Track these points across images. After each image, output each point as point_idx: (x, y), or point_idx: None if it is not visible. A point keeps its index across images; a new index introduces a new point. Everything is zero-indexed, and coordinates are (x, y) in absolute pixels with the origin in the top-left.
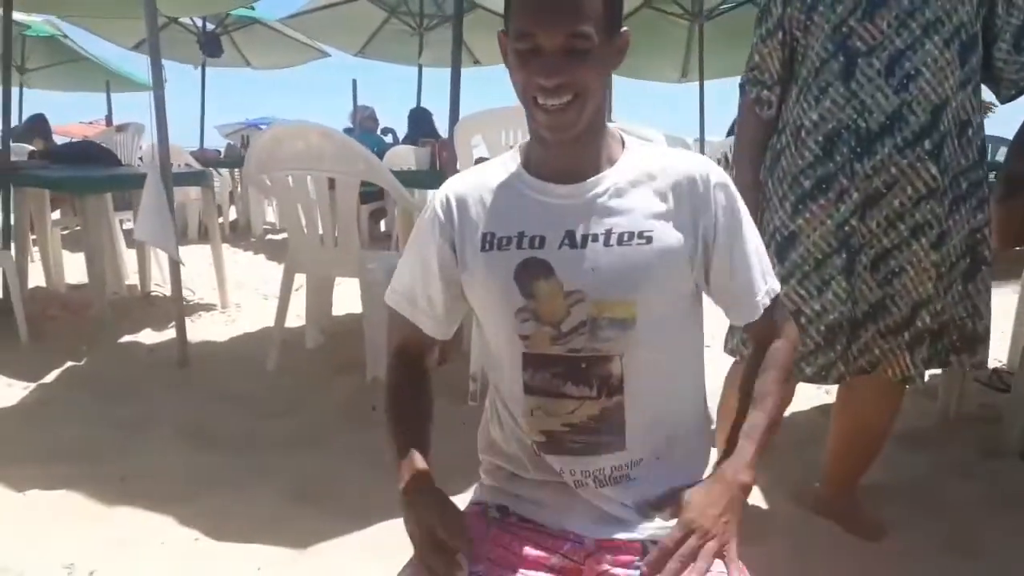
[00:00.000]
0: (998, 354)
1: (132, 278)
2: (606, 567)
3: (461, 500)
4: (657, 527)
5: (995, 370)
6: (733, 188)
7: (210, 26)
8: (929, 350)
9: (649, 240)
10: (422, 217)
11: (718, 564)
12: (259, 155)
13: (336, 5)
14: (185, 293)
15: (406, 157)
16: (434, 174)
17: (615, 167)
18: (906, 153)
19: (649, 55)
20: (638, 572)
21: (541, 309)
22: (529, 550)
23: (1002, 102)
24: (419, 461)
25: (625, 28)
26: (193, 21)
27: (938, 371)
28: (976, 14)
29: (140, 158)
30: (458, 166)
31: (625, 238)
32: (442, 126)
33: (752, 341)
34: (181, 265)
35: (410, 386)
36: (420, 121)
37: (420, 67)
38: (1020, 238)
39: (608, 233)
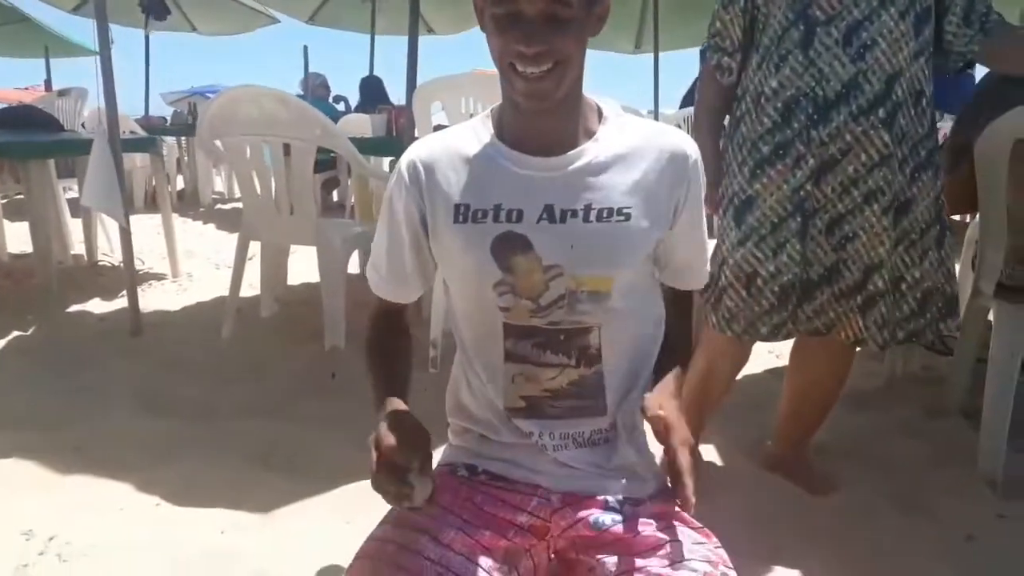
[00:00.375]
0: None
1: (78, 247)
2: (570, 520)
3: None
4: (623, 488)
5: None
6: (701, 163)
7: None
8: (917, 320)
9: (628, 217)
10: (390, 184)
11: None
12: (212, 120)
13: None
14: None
15: (361, 125)
16: (391, 141)
17: (594, 139)
18: (860, 121)
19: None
20: (599, 521)
21: (519, 283)
22: (498, 509)
23: (950, 72)
24: (398, 402)
25: None
26: None
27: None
28: None
29: (83, 124)
30: (416, 132)
31: (604, 214)
32: (394, 94)
33: (672, 301)
34: (123, 226)
35: (390, 339)
36: (372, 89)
37: (373, 35)
38: (962, 206)
39: (587, 208)
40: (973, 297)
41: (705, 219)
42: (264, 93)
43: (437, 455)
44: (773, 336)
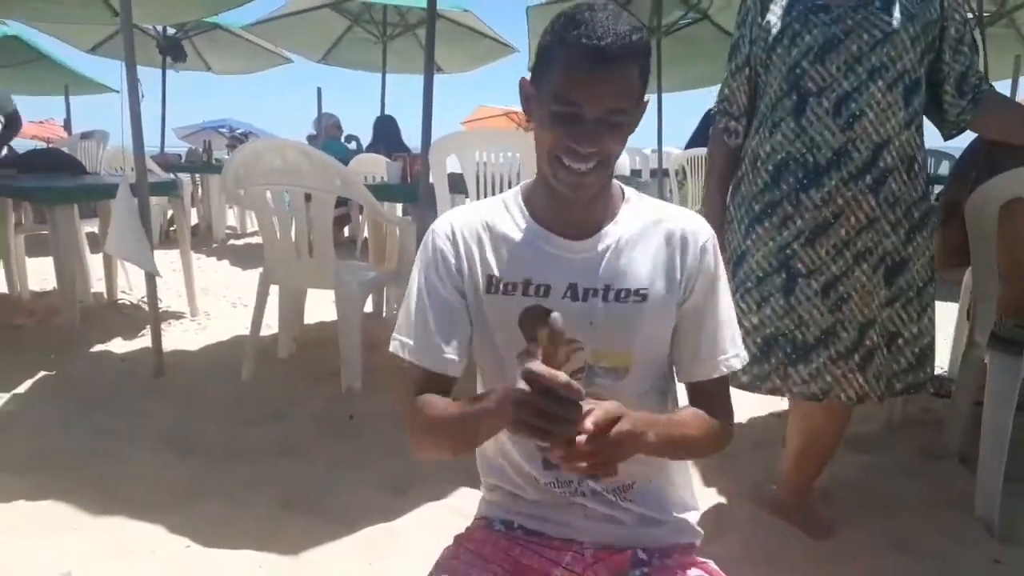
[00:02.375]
0: (941, 362)
1: (97, 285)
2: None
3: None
4: (651, 539)
5: (937, 376)
6: (718, 249)
7: (171, 31)
8: (916, 373)
9: (644, 298)
10: (424, 256)
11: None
12: (237, 169)
13: (300, 13)
14: None
15: (373, 164)
16: (406, 188)
17: (616, 221)
18: (850, 186)
19: None
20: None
21: (541, 353)
22: (533, 562)
23: (945, 139)
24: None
25: (648, 96)
26: (154, 27)
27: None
28: (920, 60)
29: (101, 164)
30: (431, 179)
31: (622, 295)
32: (407, 134)
33: (690, 401)
34: (158, 277)
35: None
36: (385, 129)
37: (384, 74)
38: (954, 259)
39: (607, 289)
40: (969, 346)
41: (727, 301)
42: (288, 146)
43: (471, 504)
44: (754, 386)
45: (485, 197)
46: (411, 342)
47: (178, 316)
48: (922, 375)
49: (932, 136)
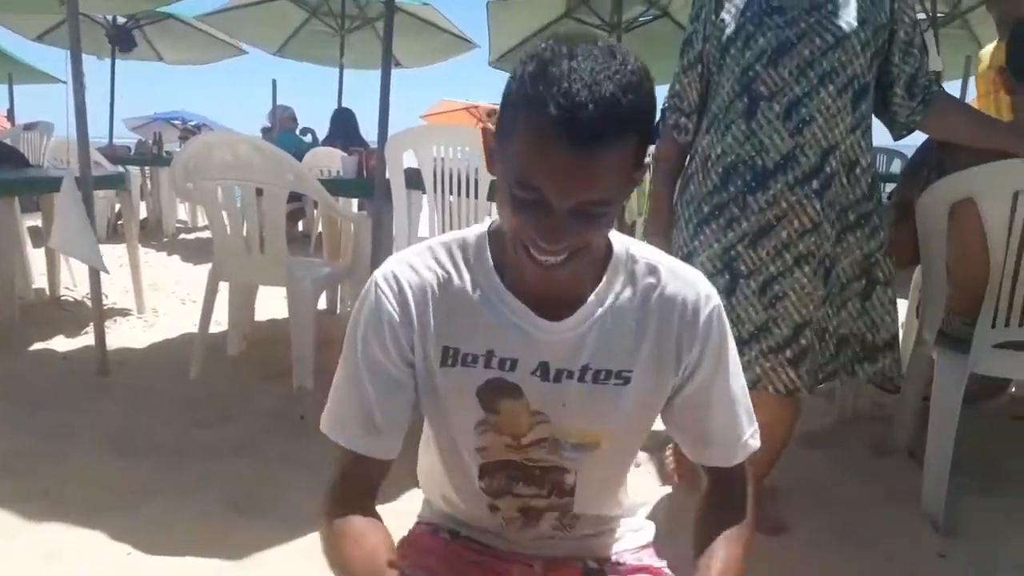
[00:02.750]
0: None
1: (39, 280)
2: None
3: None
4: (603, 547)
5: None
6: (724, 315)
7: (121, 19)
8: (834, 363)
9: (627, 381)
10: (365, 317)
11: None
12: (187, 163)
13: (256, 4)
14: None
15: (328, 157)
16: (362, 183)
17: (599, 290)
18: (796, 191)
19: None
20: None
21: (502, 423)
22: (482, 573)
23: (895, 139)
24: None
25: (648, 162)
26: (104, 16)
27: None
28: (869, 66)
29: (44, 156)
30: (388, 175)
31: (602, 376)
32: (365, 128)
33: (708, 484)
34: (105, 273)
35: (361, 521)
36: (343, 122)
37: (341, 68)
38: (907, 258)
39: (584, 369)
40: (917, 343)
41: (737, 373)
42: (239, 140)
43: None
44: None
45: (442, 194)
46: (346, 426)
47: (124, 313)
48: (836, 364)
49: (884, 134)
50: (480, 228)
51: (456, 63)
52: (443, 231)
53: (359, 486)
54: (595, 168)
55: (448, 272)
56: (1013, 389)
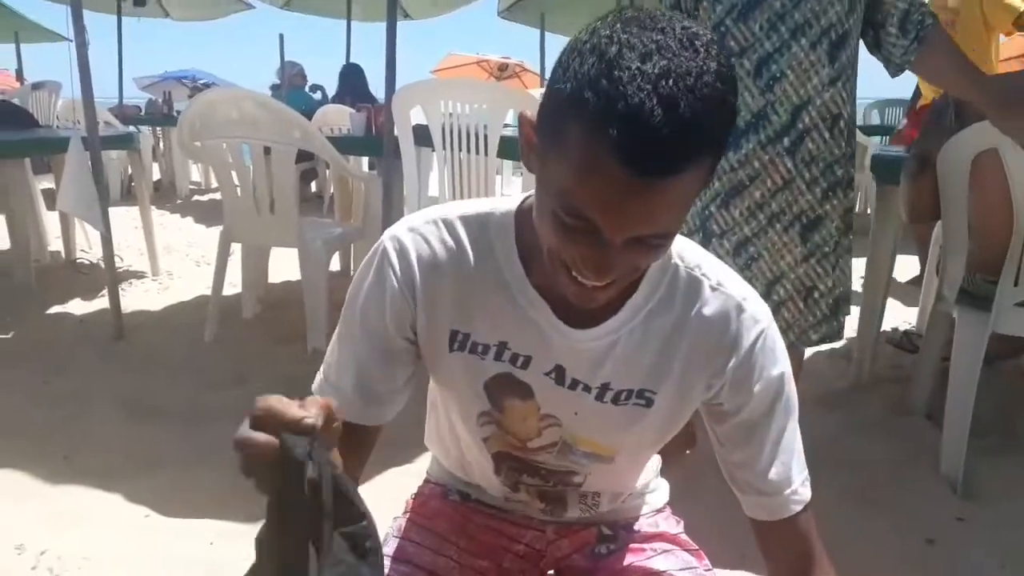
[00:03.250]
0: (909, 317)
1: (54, 243)
2: (565, 551)
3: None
4: (616, 514)
5: (906, 332)
6: (776, 341)
7: None
8: (828, 323)
9: (649, 403)
10: (369, 280)
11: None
12: (192, 121)
13: None
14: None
15: (339, 115)
16: (370, 140)
17: (634, 301)
18: (767, 149)
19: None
20: (594, 551)
21: (508, 422)
22: (493, 538)
23: (892, 76)
24: None
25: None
26: None
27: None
28: (850, 10)
29: (57, 116)
30: (396, 131)
31: (622, 397)
32: (374, 84)
33: (773, 553)
34: (102, 234)
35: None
36: (352, 79)
37: (349, 22)
38: (926, 214)
39: (604, 388)
40: (937, 301)
41: (789, 414)
42: (244, 96)
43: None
44: None
45: (452, 152)
46: (338, 390)
47: (139, 276)
48: (836, 324)
49: (883, 85)
50: (507, 205)
51: (465, 13)
52: (453, 191)
53: (346, 451)
54: (662, 201)
55: (465, 250)
56: None
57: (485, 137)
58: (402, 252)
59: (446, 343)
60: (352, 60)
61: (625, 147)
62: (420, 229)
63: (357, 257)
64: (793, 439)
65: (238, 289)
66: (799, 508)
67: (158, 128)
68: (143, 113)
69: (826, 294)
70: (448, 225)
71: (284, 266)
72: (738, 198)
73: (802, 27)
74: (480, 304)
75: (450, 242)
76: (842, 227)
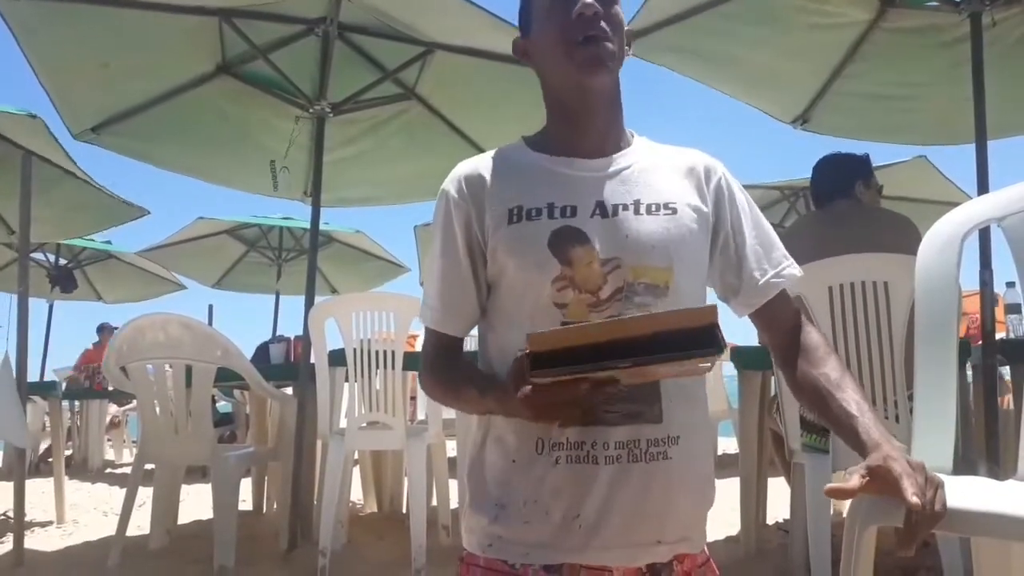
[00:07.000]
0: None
1: None
2: None
3: None
4: (661, 554)
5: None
6: (735, 178)
7: (63, 260)
8: None
9: (674, 211)
10: (437, 217)
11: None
12: (119, 347)
13: (195, 240)
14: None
15: None
16: (290, 367)
17: (632, 147)
18: None
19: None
20: None
21: (578, 276)
22: None
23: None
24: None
25: (628, 28)
26: (45, 255)
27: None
28: None
29: None
30: (312, 354)
31: (653, 208)
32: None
33: (777, 333)
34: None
35: (453, 365)
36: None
37: (277, 296)
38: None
39: (637, 204)
40: (790, 456)
41: (762, 217)
42: (170, 319)
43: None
44: None
45: (365, 363)
46: (425, 308)
47: (44, 525)
48: None
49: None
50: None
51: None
52: (365, 406)
53: (438, 353)
54: None
55: (500, 157)
56: None
57: (393, 353)
58: (453, 177)
59: (505, 220)
60: (280, 331)
61: None
62: (459, 166)
63: (272, 489)
64: (770, 230)
65: (146, 530)
66: (790, 280)
67: (76, 403)
68: (63, 389)
69: None
70: (479, 157)
71: (196, 508)
72: None
73: None
74: (522, 180)
75: (486, 157)
76: None
